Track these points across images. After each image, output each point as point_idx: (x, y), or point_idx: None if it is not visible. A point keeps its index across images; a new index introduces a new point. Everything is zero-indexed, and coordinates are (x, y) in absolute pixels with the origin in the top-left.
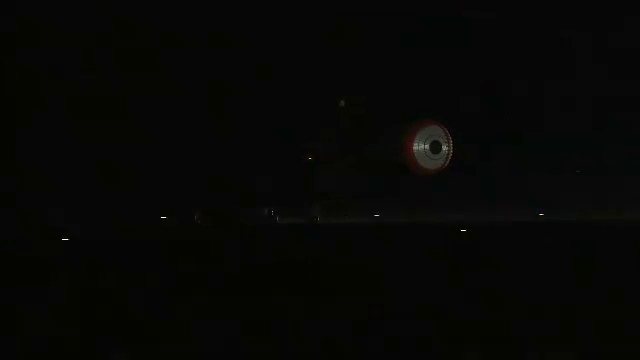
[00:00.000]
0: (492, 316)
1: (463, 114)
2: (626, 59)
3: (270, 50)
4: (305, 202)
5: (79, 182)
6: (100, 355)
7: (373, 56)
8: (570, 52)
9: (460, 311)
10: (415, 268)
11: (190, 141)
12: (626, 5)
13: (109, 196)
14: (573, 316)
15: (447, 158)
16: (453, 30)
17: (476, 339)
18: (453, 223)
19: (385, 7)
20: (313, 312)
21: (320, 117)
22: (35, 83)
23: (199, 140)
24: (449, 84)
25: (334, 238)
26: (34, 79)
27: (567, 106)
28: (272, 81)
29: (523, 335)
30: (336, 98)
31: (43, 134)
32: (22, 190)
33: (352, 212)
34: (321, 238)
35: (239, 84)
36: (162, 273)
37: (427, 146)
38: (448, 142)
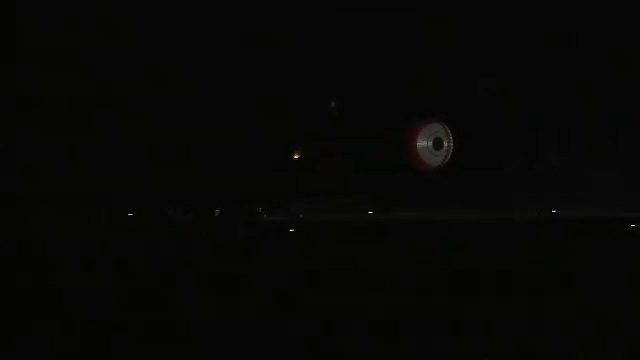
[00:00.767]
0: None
1: (464, 111)
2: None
3: (265, 46)
4: (290, 199)
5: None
6: None
7: (368, 55)
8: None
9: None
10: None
11: (178, 138)
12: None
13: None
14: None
15: (448, 153)
16: (453, 28)
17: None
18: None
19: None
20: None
21: (313, 116)
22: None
23: (187, 137)
24: (449, 82)
25: (313, 235)
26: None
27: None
28: (269, 79)
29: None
30: (328, 99)
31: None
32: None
33: (347, 209)
34: (300, 236)
35: (229, 80)
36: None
37: (430, 143)
38: (449, 138)
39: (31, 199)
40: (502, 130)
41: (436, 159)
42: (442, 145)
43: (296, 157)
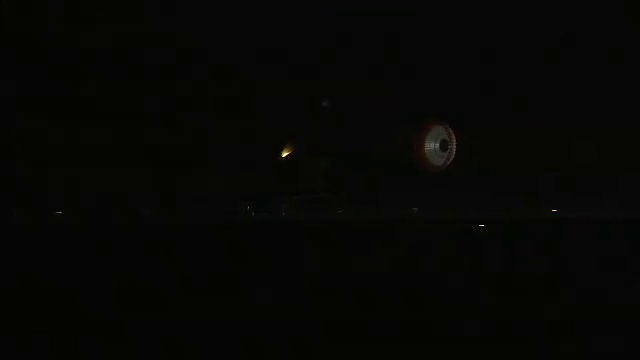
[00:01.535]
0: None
1: (467, 112)
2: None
3: (268, 46)
4: (274, 197)
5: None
6: None
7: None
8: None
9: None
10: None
11: (169, 136)
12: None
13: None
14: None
15: (451, 155)
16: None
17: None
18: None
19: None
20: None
21: (308, 115)
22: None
23: (180, 135)
24: (452, 83)
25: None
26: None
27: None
28: (273, 76)
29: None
30: (320, 98)
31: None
32: None
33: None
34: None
35: (227, 80)
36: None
37: (437, 145)
38: (452, 140)
39: None
40: (502, 131)
41: (440, 160)
42: (447, 147)
43: (295, 155)
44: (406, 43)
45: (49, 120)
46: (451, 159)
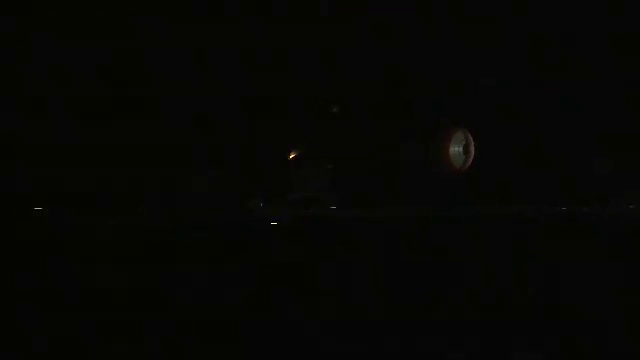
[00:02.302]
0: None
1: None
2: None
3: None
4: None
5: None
6: None
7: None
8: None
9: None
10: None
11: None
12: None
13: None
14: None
15: (470, 157)
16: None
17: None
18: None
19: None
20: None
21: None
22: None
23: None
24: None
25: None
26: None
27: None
28: (288, 78)
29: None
30: (326, 103)
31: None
32: None
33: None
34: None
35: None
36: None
37: (461, 148)
38: (472, 143)
39: None
40: (514, 133)
41: (461, 162)
42: (469, 149)
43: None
44: (420, 46)
45: (49, 120)
46: (470, 161)
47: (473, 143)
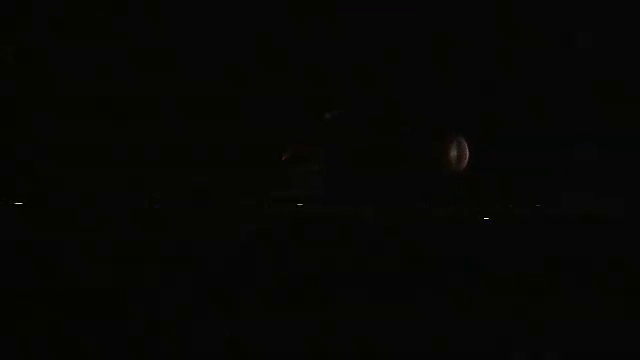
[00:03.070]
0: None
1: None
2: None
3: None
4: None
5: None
6: None
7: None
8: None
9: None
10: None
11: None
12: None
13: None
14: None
15: (466, 158)
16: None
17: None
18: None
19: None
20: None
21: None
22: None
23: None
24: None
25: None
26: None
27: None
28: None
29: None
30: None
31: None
32: None
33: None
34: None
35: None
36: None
37: (457, 149)
38: (465, 145)
39: None
40: (515, 135)
41: (459, 163)
42: (463, 150)
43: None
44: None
45: (48, 120)
46: (465, 163)
47: (467, 144)
